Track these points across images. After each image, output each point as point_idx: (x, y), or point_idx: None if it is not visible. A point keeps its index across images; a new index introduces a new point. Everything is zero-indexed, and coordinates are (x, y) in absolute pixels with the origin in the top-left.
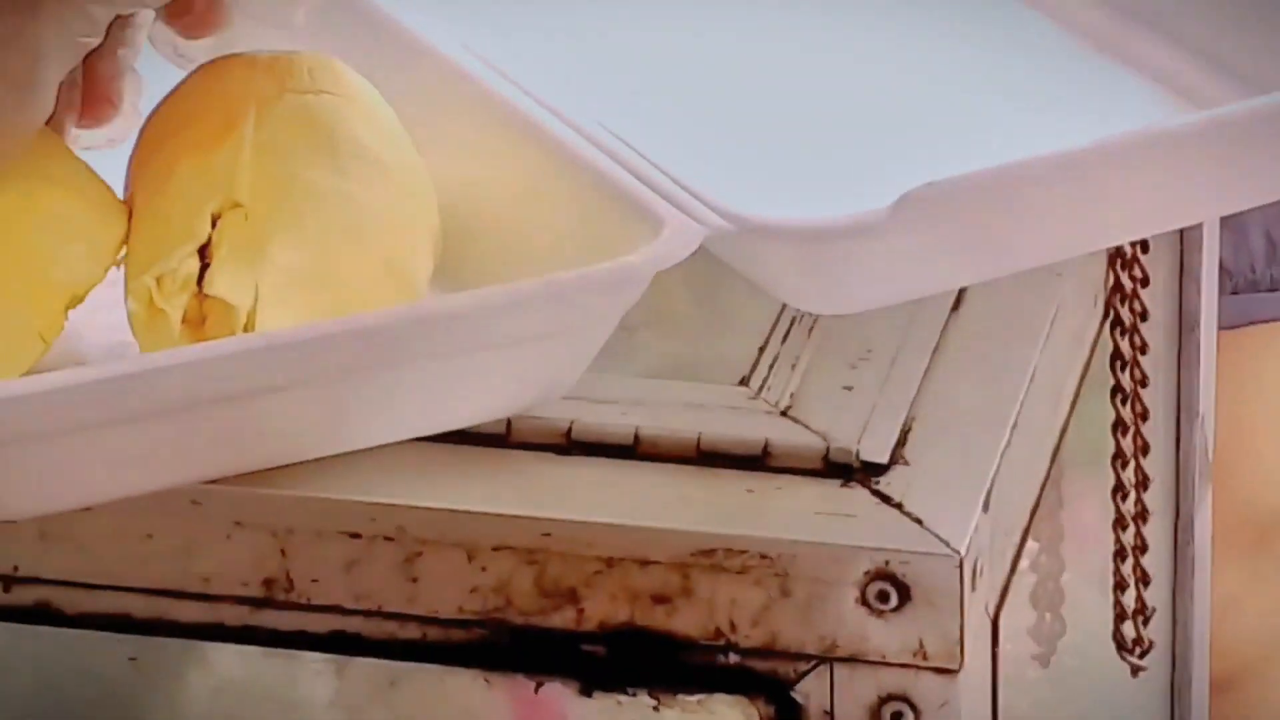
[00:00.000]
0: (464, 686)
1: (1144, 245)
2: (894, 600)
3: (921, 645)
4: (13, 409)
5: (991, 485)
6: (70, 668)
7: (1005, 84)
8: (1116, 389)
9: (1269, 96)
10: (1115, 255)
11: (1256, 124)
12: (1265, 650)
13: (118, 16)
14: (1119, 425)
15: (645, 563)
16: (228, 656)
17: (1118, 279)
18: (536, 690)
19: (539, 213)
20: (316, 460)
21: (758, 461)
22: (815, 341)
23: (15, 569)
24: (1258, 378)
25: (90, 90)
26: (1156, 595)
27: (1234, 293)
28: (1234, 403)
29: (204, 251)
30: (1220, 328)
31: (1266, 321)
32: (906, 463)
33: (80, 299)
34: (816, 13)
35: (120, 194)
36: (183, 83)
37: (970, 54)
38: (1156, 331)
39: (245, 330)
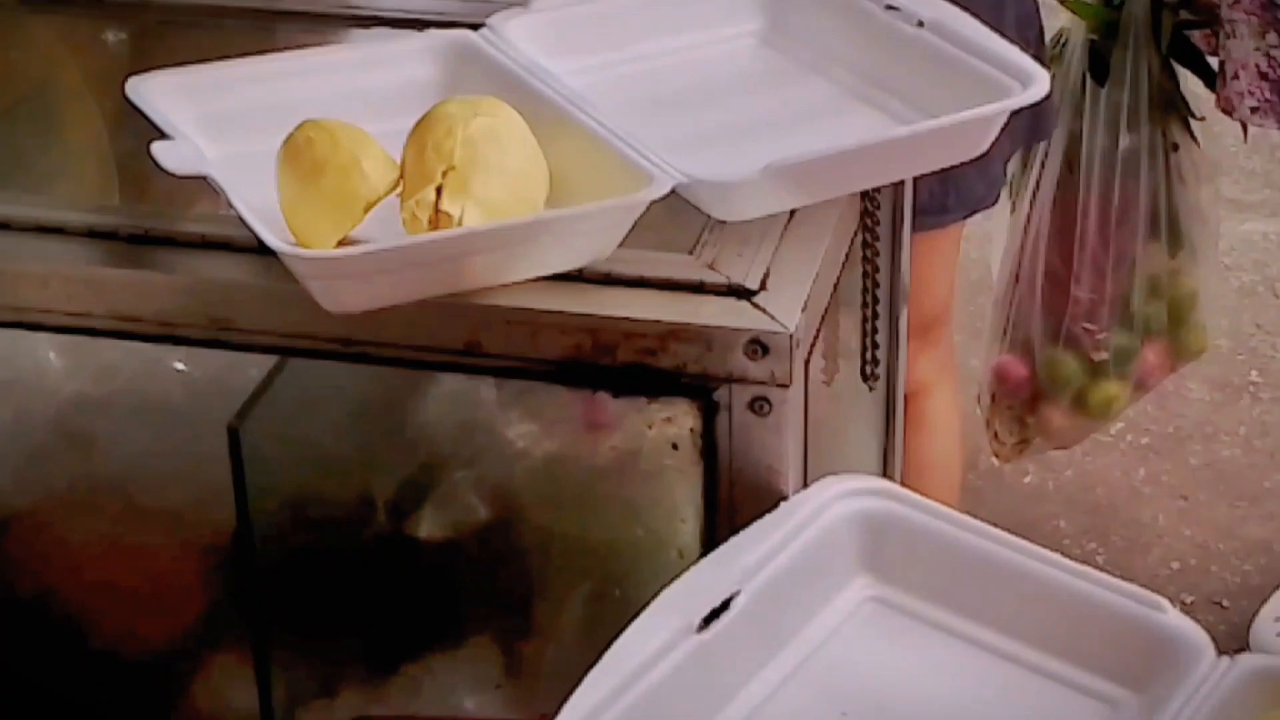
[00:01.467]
0: (556, 392)
1: (878, 189)
2: (761, 353)
3: (773, 375)
4: (370, 259)
5: (807, 300)
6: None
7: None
8: (864, 258)
9: (930, 122)
10: (865, 192)
11: (929, 135)
12: (925, 379)
13: None
14: (865, 275)
15: (644, 335)
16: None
17: (866, 203)
18: (593, 393)
19: (587, 174)
20: (493, 287)
21: (700, 288)
22: (723, 232)
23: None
24: (919, 255)
25: None
26: (880, 354)
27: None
28: (911, 263)
29: (439, 190)
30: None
31: (925, 230)
32: (767, 289)
33: (371, 206)
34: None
35: (396, 157)
36: (433, 108)
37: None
38: (885, 229)
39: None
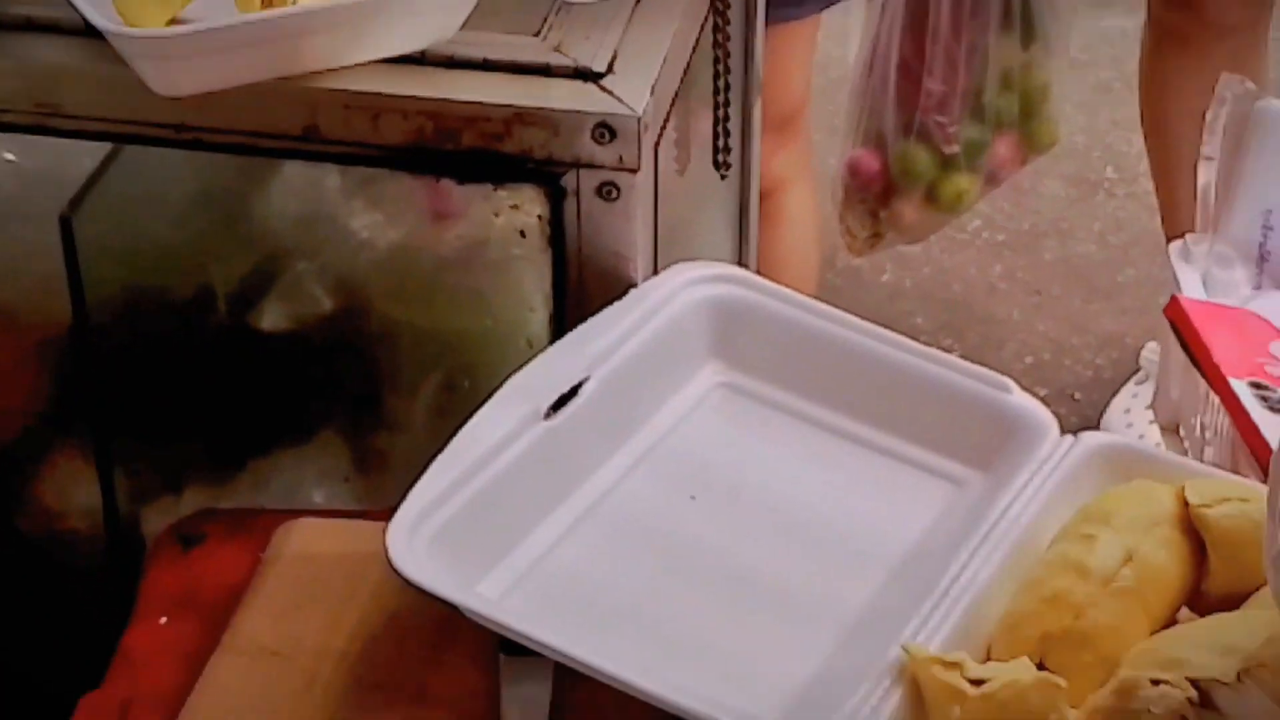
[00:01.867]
0: (399, 179)
1: None
2: (608, 137)
3: (621, 159)
4: (200, 38)
5: (655, 83)
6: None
7: None
8: (715, 42)
9: None
10: None
11: None
12: (782, 175)
13: None
14: (717, 60)
15: (489, 119)
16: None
17: None
18: (437, 180)
19: None
20: (332, 70)
21: (546, 70)
22: (569, 14)
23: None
24: (775, 47)
25: None
26: (733, 144)
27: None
28: (766, 55)
29: None
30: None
31: (781, 22)
32: (615, 73)
33: None
34: None
35: None
36: None
37: None
38: (737, 14)
39: None
